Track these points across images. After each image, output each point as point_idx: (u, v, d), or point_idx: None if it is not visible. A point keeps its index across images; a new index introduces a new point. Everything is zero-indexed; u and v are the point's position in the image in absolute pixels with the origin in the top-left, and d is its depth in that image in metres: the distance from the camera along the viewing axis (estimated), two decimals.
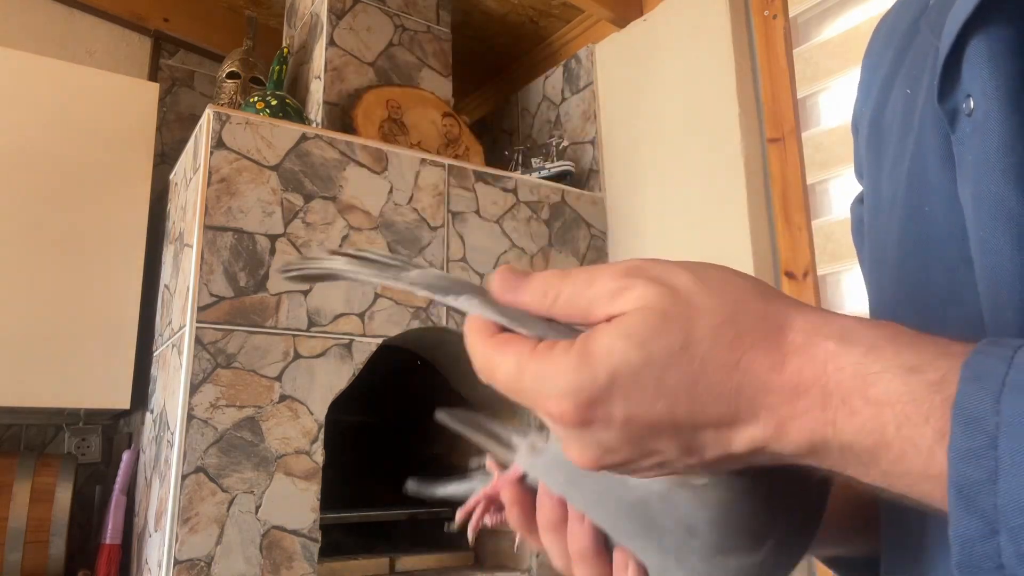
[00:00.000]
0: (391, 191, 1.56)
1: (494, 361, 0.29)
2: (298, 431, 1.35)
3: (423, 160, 1.62)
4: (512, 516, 0.41)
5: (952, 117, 0.31)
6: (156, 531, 1.30)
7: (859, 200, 0.48)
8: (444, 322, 1.55)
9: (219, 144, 1.38)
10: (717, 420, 0.25)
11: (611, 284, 0.26)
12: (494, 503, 0.44)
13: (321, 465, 1.36)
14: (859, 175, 0.47)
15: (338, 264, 0.34)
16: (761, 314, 0.25)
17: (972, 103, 0.30)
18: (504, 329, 0.30)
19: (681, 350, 0.25)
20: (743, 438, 0.25)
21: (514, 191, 1.74)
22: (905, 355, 0.23)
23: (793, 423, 0.24)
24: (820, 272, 1.44)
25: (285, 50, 1.82)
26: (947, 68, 0.31)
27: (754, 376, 0.24)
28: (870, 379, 0.23)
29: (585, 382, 0.25)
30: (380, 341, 1.47)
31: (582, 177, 1.96)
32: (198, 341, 1.28)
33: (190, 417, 1.25)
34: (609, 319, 0.26)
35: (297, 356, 1.38)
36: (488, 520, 0.44)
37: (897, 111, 0.39)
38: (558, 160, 1.89)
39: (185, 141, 1.63)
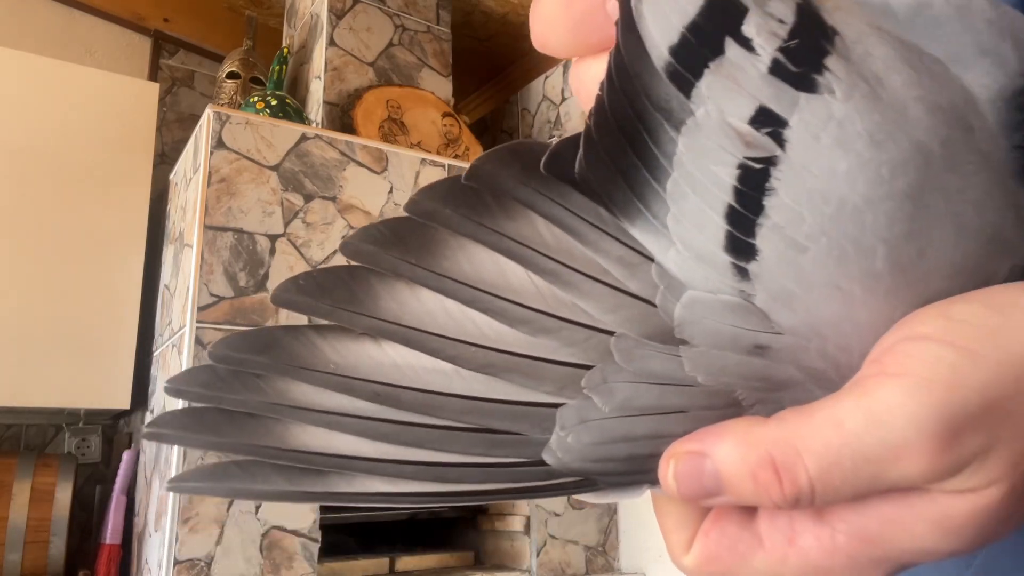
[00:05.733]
0: (391, 191, 1.56)
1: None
2: None
3: (423, 160, 1.62)
4: None
5: None
6: (156, 531, 1.30)
7: None
8: None
9: (219, 144, 1.38)
10: None
11: (932, 463, 0.18)
12: None
13: None
14: None
15: None
16: None
17: None
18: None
19: None
20: None
21: None
22: None
23: None
24: None
25: (285, 50, 1.82)
26: None
27: None
28: None
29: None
30: None
31: None
32: (198, 341, 1.28)
33: None
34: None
35: None
36: None
37: None
38: None
39: (185, 141, 1.63)
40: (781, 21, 0.20)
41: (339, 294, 0.22)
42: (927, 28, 0.22)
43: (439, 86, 1.94)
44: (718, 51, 0.20)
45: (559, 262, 0.21)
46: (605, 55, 0.22)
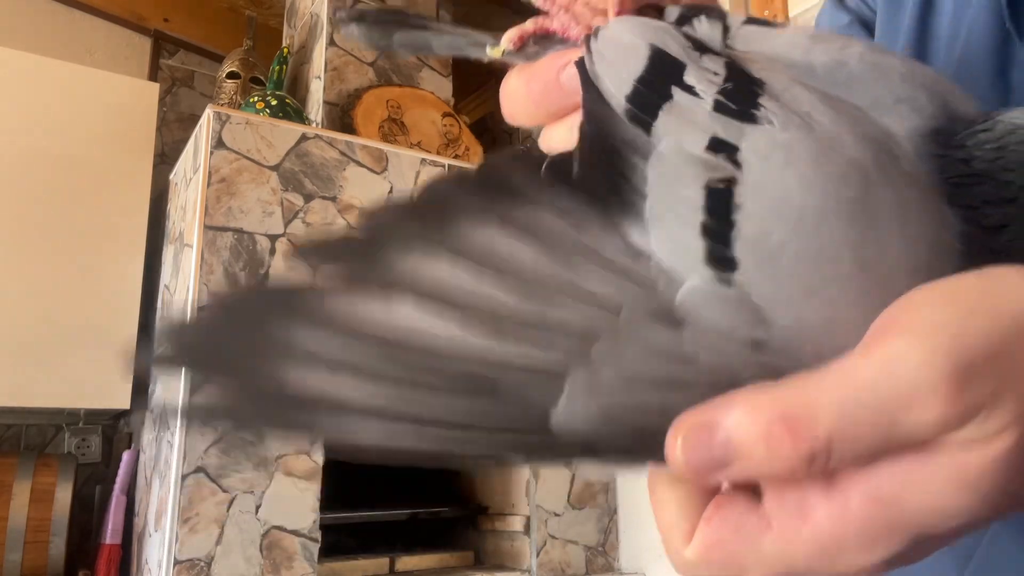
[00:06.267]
0: (391, 191, 1.56)
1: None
2: None
3: (423, 160, 1.62)
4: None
5: None
6: (156, 531, 1.30)
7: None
8: None
9: (219, 144, 1.38)
10: None
11: (946, 408, 0.18)
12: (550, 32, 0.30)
13: (321, 465, 1.36)
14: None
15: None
16: None
17: None
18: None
19: None
20: None
21: None
22: None
23: None
24: None
25: (285, 50, 1.82)
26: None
27: None
28: None
29: None
30: None
31: None
32: None
33: None
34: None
35: None
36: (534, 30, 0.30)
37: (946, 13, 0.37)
38: None
39: (185, 141, 1.63)
40: (715, 73, 0.24)
41: (357, 255, 0.23)
42: (846, 82, 0.25)
43: (439, 86, 1.94)
44: (667, 96, 0.23)
45: (566, 246, 0.22)
46: (566, 120, 0.25)
